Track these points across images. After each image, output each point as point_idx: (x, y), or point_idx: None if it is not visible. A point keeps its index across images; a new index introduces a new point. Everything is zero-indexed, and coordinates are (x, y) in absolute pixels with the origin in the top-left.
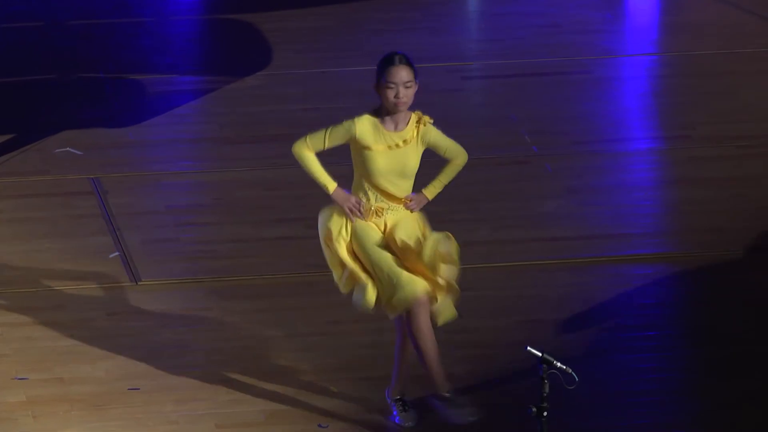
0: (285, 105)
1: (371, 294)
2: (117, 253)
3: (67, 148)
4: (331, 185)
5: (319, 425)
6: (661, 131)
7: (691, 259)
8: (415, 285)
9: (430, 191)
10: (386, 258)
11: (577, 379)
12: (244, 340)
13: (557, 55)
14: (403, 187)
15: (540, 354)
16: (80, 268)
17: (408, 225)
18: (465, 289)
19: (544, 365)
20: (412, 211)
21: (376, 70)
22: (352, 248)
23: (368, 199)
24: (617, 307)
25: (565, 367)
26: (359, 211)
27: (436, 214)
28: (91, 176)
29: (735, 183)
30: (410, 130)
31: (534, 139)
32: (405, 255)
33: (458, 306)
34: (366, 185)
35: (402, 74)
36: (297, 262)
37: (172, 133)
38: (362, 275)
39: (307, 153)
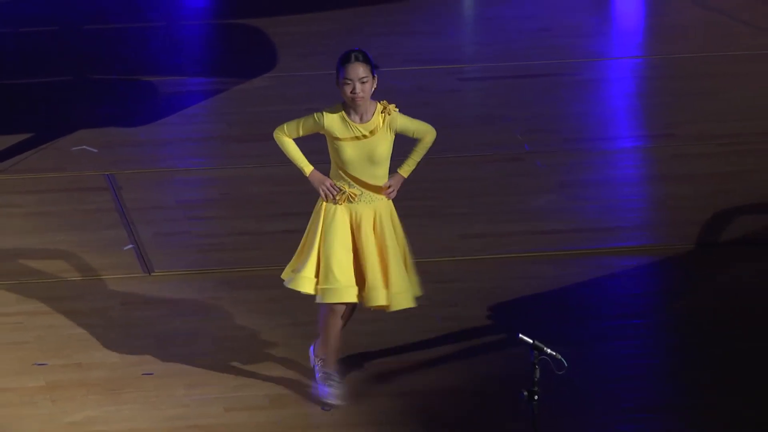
0: (290, 105)
1: (304, 277)
2: (131, 246)
3: (83, 146)
4: (307, 168)
5: (322, 408)
6: (646, 130)
7: (674, 252)
8: (343, 293)
9: (405, 170)
10: (337, 252)
11: (566, 365)
12: (251, 328)
13: (548, 57)
14: (376, 174)
15: (531, 341)
16: (96, 260)
17: (389, 230)
18: (458, 280)
19: (535, 352)
20: (389, 199)
21: (336, 65)
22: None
23: (343, 185)
24: (604, 296)
25: (554, 353)
26: (333, 193)
27: (434, 208)
28: (106, 173)
29: (716, 179)
30: (376, 120)
31: (526, 137)
32: (364, 258)
33: (453, 295)
34: (340, 173)
35: (358, 71)
36: None
37: (182, 132)
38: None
39: (286, 138)
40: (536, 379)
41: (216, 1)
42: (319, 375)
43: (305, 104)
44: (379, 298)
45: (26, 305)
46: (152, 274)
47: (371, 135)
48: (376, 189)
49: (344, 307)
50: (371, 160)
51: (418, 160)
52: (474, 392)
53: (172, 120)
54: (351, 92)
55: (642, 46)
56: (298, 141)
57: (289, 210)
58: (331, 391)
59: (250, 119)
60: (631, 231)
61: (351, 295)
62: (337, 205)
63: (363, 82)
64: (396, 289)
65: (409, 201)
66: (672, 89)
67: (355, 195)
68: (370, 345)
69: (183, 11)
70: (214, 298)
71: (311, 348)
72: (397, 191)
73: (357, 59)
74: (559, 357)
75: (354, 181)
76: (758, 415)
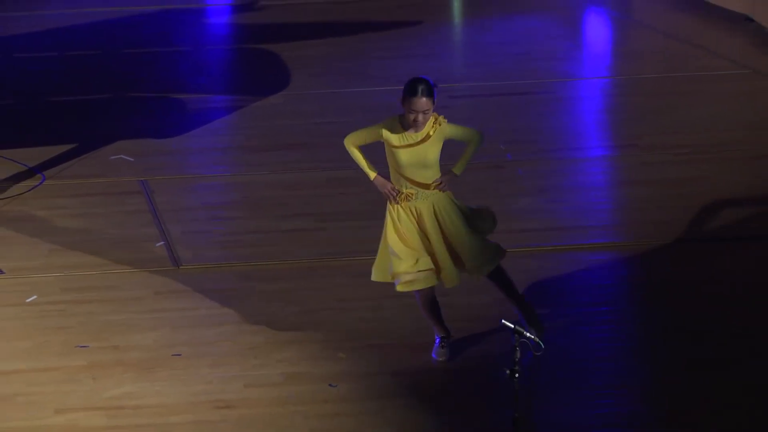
0: (301, 119)
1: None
2: (162, 243)
3: (121, 156)
4: (372, 173)
5: (330, 384)
6: (613, 141)
7: (638, 247)
8: (421, 282)
9: (457, 168)
10: (407, 246)
11: (543, 347)
12: (267, 314)
13: (528, 78)
14: (427, 176)
15: (512, 326)
16: (132, 255)
17: (450, 216)
18: None
19: (516, 335)
20: (443, 191)
21: (403, 90)
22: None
23: (400, 187)
24: (577, 286)
25: (533, 336)
26: (393, 195)
27: None
28: (140, 179)
29: (674, 184)
30: (427, 130)
31: (508, 147)
32: (433, 246)
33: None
34: (396, 176)
35: (421, 103)
36: (310, 250)
37: (206, 143)
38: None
39: (352, 148)
40: (517, 359)
41: (236, 29)
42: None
43: (314, 119)
44: (452, 279)
45: (70, 294)
46: (180, 267)
47: (423, 142)
48: (428, 186)
49: (428, 290)
50: (423, 164)
51: (469, 159)
52: (462, 370)
53: (198, 132)
54: (413, 120)
55: (609, 68)
56: (364, 148)
57: (300, 211)
58: (439, 352)
59: (266, 132)
60: (600, 229)
61: (430, 281)
62: (399, 205)
63: (425, 113)
64: (469, 265)
65: None
66: (635, 105)
67: (411, 194)
68: (372, 329)
69: (207, 38)
70: (234, 288)
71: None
72: (450, 185)
73: (423, 93)
74: (537, 340)
75: (410, 182)
76: (713, 385)
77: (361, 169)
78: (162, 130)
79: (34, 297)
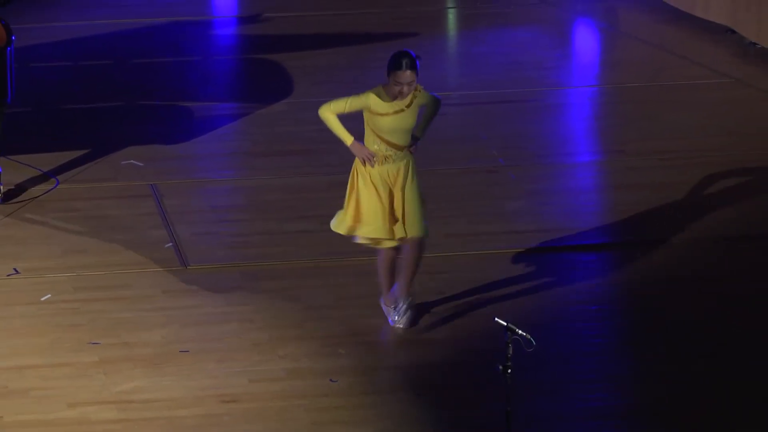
0: (304, 126)
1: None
2: (170, 244)
3: (131, 161)
4: (349, 139)
5: (331, 380)
6: (600, 147)
7: (625, 247)
8: (379, 231)
9: (420, 132)
10: (373, 204)
11: (534, 344)
12: (271, 312)
13: (519, 86)
14: (404, 139)
15: (505, 323)
16: (141, 255)
17: (414, 177)
18: (445, 271)
19: (509, 332)
20: (413, 153)
21: (388, 63)
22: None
23: (378, 150)
24: (567, 285)
25: (525, 333)
26: (371, 158)
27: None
28: (150, 183)
29: (659, 188)
30: (409, 98)
31: (501, 153)
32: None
33: (440, 284)
34: (377, 140)
35: (406, 76)
36: (313, 251)
37: (213, 149)
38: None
39: (330, 115)
40: (509, 355)
41: (242, 40)
42: (385, 310)
43: (317, 125)
44: (399, 231)
45: (82, 293)
46: (188, 267)
47: (407, 109)
48: (403, 149)
49: (386, 249)
50: (406, 129)
51: (429, 124)
52: (457, 366)
53: (205, 138)
54: (399, 92)
55: (597, 77)
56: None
57: (304, 213)
58: (393, 318)
59: (270, 138)
60: (588, 231)
61: (384, 233)
62: (373, 168)
63: (410, 85)
64: (409, 221)
65: None
66: (622, 113)
67: (390, 156)
68: (371, 326)
69: (215, 48)
70: (239, 287)
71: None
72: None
73: (407, 67)
74: (529, 337)
75: (391, 147)
76: (694, 379)
77: (337, 135)
78: (171, 137)
79: (48, 296)
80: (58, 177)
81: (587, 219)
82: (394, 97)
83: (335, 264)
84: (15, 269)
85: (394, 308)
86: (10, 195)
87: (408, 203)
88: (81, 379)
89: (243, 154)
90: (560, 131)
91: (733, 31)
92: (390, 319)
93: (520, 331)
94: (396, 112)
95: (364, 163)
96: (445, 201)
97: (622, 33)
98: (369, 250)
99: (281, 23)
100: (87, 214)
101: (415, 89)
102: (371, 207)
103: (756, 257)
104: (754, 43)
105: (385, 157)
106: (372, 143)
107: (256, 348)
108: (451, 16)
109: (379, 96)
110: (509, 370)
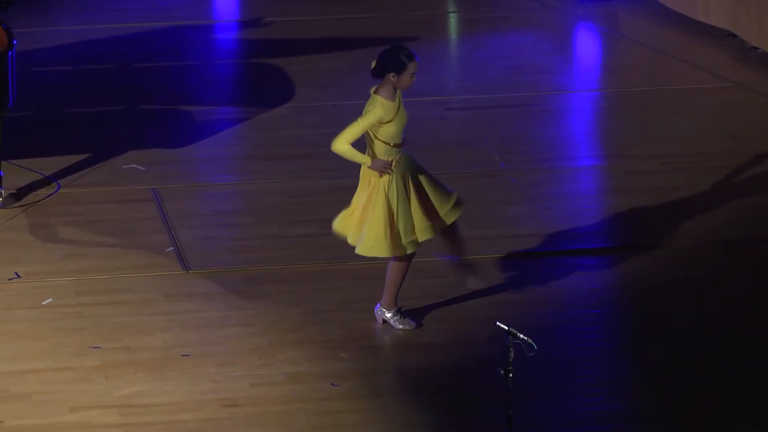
0: (305, 130)
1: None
2: (172, 248)
3: (133, 165)
4: (368, 160)
5: (332, 384)
6: (602, 151)
7: (625, 251)
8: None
9: None
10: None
11: (535, 348)
12: (272, 316)
13: (520, 90)
14: (402, 136)
15: (506, 328)
16: (143, 259)
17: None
18: (446, 275)
19: (510, 336)
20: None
21: (393, 64)
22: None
23: (391, 156)
24: (568, 289)
25: (526, 338)
26: (389, 168)
27: None
28: (151, 187)
29: (661, 192)
30: (399, 94)
31: (501, 157)
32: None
33: (442, 288)
34: (388, 147)
35: (417, 64)
36: (314, 255)
37: (215, 153)
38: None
39: (345, 146)
40: (511, 360)
41: (243, 44)
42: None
43: (317, 129)
44: (428, 232)
45: (84, 297)
46: (189, 271)
47: (400, 104)
48: (401, 147)
49: (412, 255)
50: (405, 125)
51: None
52: (459, 370)
53: (207, 143)
54: (410, 83)
55: (598, 81)
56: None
57: (305, 218)
58: (405, 322)
59: (272, 142)
60: (589, 235)
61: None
62: (392, 174)
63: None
64: (443, 210)
65: None
66: (623, 117)
67: (401, 158)
68: (372, 330)
69: (216, 52)
70: (241, 291)
71: (376, 309)
72: None
73: (415, 57)
74: (530, 341)
75: (398, 148)
76: (694, 380)
77: (358, 161)
78: (172, 141)
79: (50, 300)
80: (59, 181)
81: (588, 223)
82: (394, 93)
83: (336, 268)
84: (16, 273)
85: (397, 311)
86: (11, 199)
87: (432, 192)
88: (82, 384)
89: (244, 158)
90: (561, 135)
91: (734, 35)
92: (398, 325)
93: (521, 336)
94: (398, 112)
95: (381, 175)
96: None
97: (623, 37)
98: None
99: (283, 27)
100: (88, 218)
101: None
102: (414, 212)
103: (757, 261)
104: (755, 47)
105: (399, 161)
106: (385, 154)
107: (257, 352)
108: (453, 20)
109: (382, 105)
110: (510, 374)
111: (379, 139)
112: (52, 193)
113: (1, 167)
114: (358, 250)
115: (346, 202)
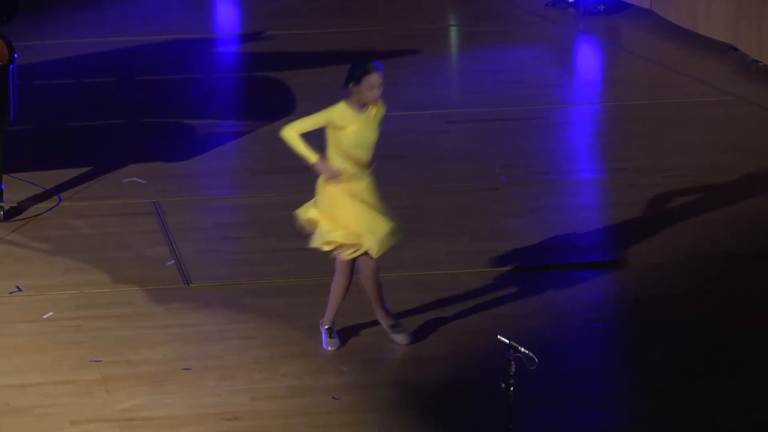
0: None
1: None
2: (173, 261)
3: (133, 178)
4: (314, 157)
5: (333, 397)
6: (602, 164)
7: (626, 265)
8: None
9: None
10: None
11: (536, 361)
12: (273, 329)
13: (522, 104)
14: (366, 156)
15: (507, 341)
16: (144, 273)
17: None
18: (449, 288)
19: (511, 350)
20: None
21: (353, 74)
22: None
23: (342, 168)
24: (569, 303)
25: (527, 351)
26: (336, 175)
27: (424, 229)
28: (153, 200)
29: (661, 205)
30: (371, 111)
31: (502, 170)
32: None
33: (443, 301)
34: (340, 157)
35: (378, 77)
36: (314, 268)
37: (216, 166)
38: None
39: (293, 134)
40: (512, 373)
41: (245, 57)
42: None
43: (319, 143)
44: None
45: (85, 311)
46: (191, 285)
47: (368, 121)
48: (365, 167)
49: (368, 260)
50: (369, 143)
51: None
52: (460, 383)
53: (208, 156)
54: (374, 97)
55: (599, 95)
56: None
57: (304, 231)
58: (399, 337)
59: (273, 156)
60: (590, 249)
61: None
62: (339, 183)
63: (380, 87)
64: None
65: (404, 224)
66: (624, 130)
67: (352, 175)
68: (373, 343)
69: (218, 66)
70: (242, 304)
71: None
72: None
73: (377, 69)
74: (531, 354)
75: (354, 163)
76: (693, 390)
77: (302, 155)
78: (173, 154)
79: (51, 313)
80: (60, 194)
81: (589, 236)
82: (362, 106)
83: None
84: (17, 287)
85: (394, 326)
86: (12, 213)
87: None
88: (83, 397)
89: (245, 171)
90: (562, 148)
91: (735, 49)
92: (400, 338)
93: (522, 349)
94: (360, 124)
95: (331, 180)
96: (445, 218)
97: (624, 50)
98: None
99: (284, 41)
100: (89, 232)
101: (378, 103)
102: (357, 214)
103: (758, 274)
104: (756, 61)
105: (350, 175)
106: (336, 162)
107: (258, 365)
108: (454, 33)
109: (341, 111)
110: (512, 388)
111: (333, 145)
112: (53, 207)
113: (2, 180)
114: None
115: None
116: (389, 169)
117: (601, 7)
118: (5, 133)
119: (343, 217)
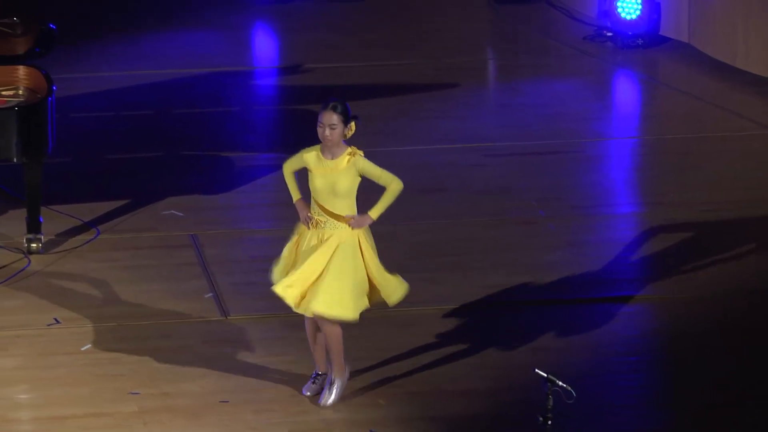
0: None
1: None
2: (211, 294)
3: (171, 211)
4: (295, 196)
5: (371, 430)
6: (640, 198)
7: (665, 300)
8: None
9: (373, 212)
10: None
11: (574, 395)
12: (310, 362)
13: (559, 137)
14: (337, 206)
15: (545, 375)
16: (182, 306)
17: (341, 254)
18: (486, 321)
19: (549, 384)
20: (353, 228)
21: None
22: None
23: (313, 213)
24: (606, 336)
25: (565, 385)
26: (307, 221)
27: (462, 263)
28: (190, 233)
29: (699, 240)
30: (343, 160)
31: (540, 204)
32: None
33: (480, 333)
34: (311, 202)
35: (330, 118)
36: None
37: (254, 199)
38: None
39: (285, 171)
40: (549, 407)
41: (282, 90)
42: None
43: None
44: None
45: (123, 343)
46: (228, 317)
47: (335, 169)
48: (338, 218)
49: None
50: (333, 192)
51: (387, 205)
52: (497, 416)
53: (246, 189)
54: (322, 134)
55: (637, 129)
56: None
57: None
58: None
59: (309, 188)
60: (628, 282)
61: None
62: (309, 229)
63: (332, 128)
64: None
65: (441, 257)
66: (662, 164)
67: (321, 222)
68: (411, 378)
69: (255, 98)
70: (280, 337)
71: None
72: (365, 227)
73: (332, 108)
74: (569, 388)
75: (321, 210)
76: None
77: (289, 191)
78: (211, 187)
79: (89, 345)
80: (98, 227)
81: (627, 270)
82: (331, 152)
83: (374, 315)
84: (56, 319)
85: (333, 384)
86: (50, 245)
87: (327, 282)
88: (121, 429)
89: (283, 204)
90: (600, 182)
91: None
92: (328, 397)
93: (560, 383)
94: (324, 171)
95: (304, 223)
96: (483, 252)
97: (662, 84)
98: (410, 302)
99: (321, 74)
100: (127, 264)
101: (352, 152)
102: (306, 269)
103: None
104: None
105: (317, 222)
106: (312, 206)
107: (295, 398)
108: (492, 67)
109: (313, 152)
110: (549, 421)
111: (309, 186)
112: (92, 239)
113: (40, 213)
114: (318, 308)
115: (386, 248)
116: (427, 202)
117: (640, 41)
118: (44, 166)
119: (299, 266)
